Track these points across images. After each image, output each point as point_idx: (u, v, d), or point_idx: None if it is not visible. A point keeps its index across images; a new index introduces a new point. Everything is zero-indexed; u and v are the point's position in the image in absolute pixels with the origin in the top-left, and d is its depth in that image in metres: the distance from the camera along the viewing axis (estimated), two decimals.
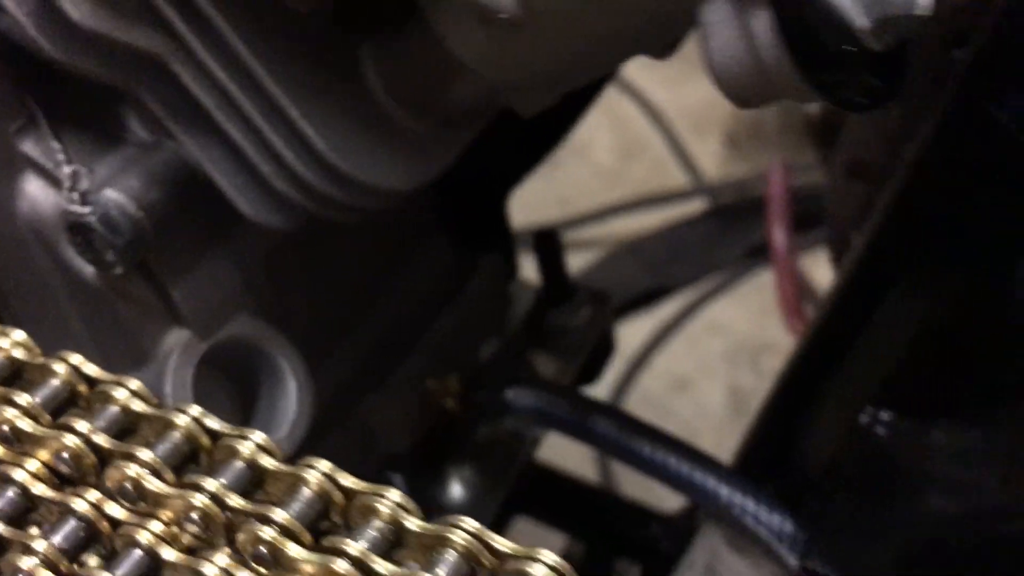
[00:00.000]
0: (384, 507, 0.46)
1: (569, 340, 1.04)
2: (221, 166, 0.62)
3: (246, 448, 0.49)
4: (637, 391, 1.92)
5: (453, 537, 0.47)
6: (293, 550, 0.46)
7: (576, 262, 1.96)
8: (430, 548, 0.46)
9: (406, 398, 0.90)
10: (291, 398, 0.73)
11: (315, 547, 0.46)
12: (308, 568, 0.45)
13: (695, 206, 2.12)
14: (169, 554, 0.47)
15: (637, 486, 1.38)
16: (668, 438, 0.85)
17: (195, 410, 0.50)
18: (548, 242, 1.04)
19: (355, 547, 0.45)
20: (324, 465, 0.48)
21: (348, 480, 0.47)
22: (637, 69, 2.32)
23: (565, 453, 1.59)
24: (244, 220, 0.68)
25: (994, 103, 0.63)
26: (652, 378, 1.96)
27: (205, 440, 0.50)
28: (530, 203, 1.73)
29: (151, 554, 0.47)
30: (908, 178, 0.69)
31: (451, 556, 0.47)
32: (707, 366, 1.96)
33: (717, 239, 2.01)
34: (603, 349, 1.07)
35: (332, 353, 0.85)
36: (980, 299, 0.70)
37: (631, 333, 1.96)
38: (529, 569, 0.46)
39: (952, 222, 0.68)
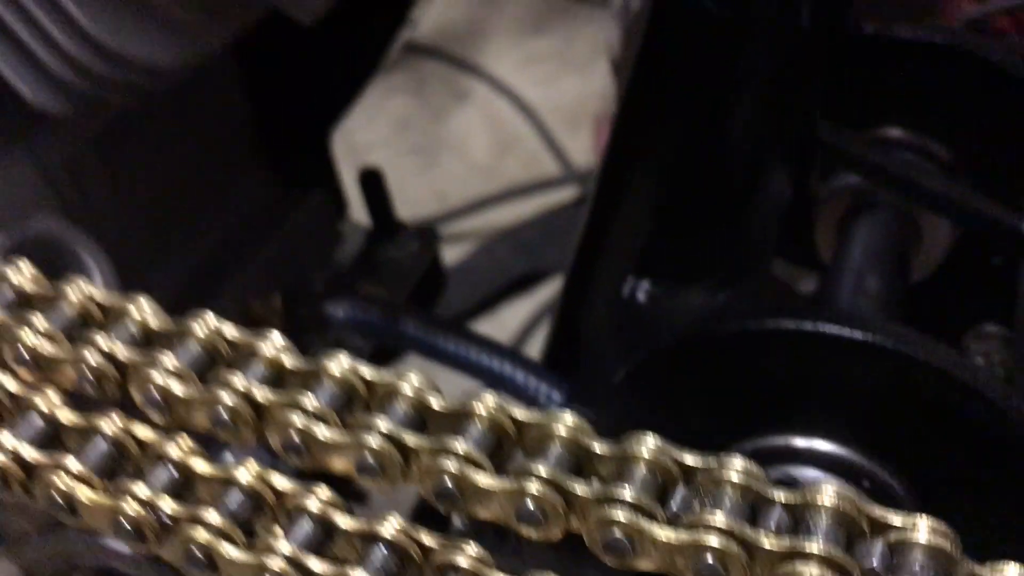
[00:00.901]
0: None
1: (397, 270, 1.11)
2: (5, 58, 0.69)
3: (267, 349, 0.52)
4: None
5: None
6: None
7: (455, 253, 2.03)
8: None
9: (230, 317, 0.96)
10: None
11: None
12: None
13: (567, 194, 2.21)
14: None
15: None
16: (468, 333, 0.92)
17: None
18: (373, 181, 1.11)
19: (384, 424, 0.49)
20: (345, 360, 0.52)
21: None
22: (511, 71, 2.43)
23: None
24: (43, 123, 0.75)
25: None
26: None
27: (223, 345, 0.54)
28: (409, 199, 1.80)
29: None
30: (636, 68, 0.78)
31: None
32: None
33: None
34: (433, 279, 1.14)
35: (151, 270, 0.91)
36: (707, 175, 0.79)
37: (510, 315, 2.04)
38: None
39: (674, 101, 0.77)
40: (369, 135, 2.28)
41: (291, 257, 1.03)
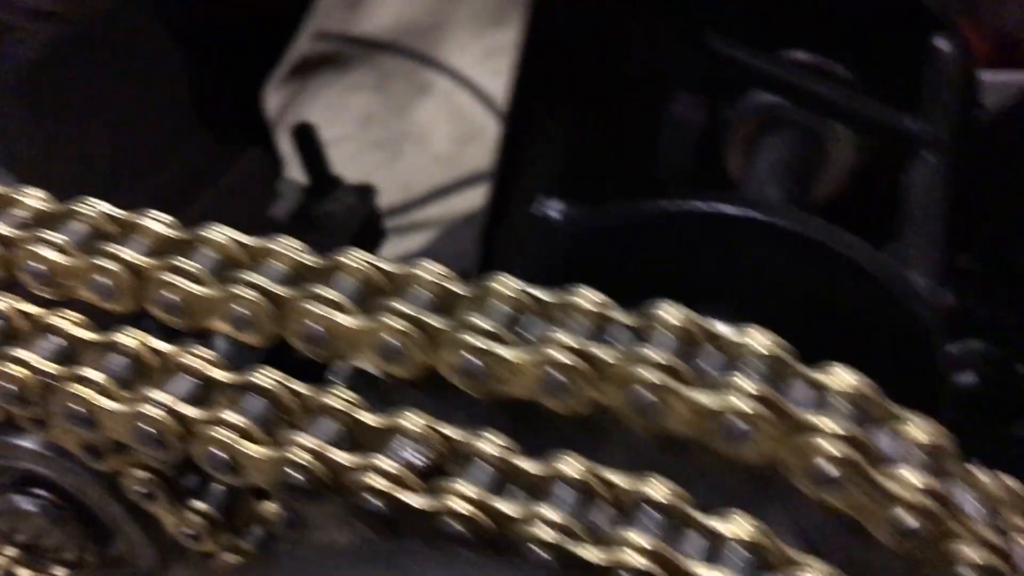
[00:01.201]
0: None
1: (333, 223, 1.13)
2: None
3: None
4: None
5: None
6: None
7: (420, 240, 2.05)
8: None
9: None
10: None
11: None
12: None
13: None
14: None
15: None
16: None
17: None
18: (307, 137, 1.14)
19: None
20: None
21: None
22: (472, 64, 2.46)
23: None
24: None
25: None
26: None
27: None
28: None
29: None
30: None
31: None
32: None
33: None
34: (370, 232, 1.16)
35: None
36: (610, 99, 0.82)
37: None
38: None
39: (573, 30, 0.80)
40: (333, 131, 2.30)
41: (225, 213, 1.06)
